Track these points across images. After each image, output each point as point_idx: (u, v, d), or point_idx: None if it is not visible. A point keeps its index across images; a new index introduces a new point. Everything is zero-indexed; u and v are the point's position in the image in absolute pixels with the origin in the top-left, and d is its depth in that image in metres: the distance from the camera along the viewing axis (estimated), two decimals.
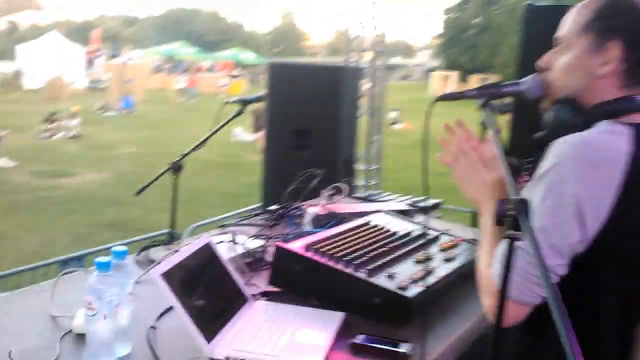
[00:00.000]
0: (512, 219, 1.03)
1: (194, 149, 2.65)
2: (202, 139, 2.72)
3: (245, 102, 2.52)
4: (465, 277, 1.76)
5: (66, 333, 1.46)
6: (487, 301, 1.29)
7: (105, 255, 1.35)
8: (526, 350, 1.38)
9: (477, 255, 1.40)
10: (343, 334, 1.52)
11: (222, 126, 2.67)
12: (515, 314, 1.23)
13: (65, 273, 1.72)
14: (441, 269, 1.82)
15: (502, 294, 1.10)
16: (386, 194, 5.87)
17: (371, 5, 6.09)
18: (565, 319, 0.88)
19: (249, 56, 43.71)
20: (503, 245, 1.16)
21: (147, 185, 2.83)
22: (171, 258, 1.45)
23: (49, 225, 7.81)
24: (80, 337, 1.41)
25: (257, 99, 2.61)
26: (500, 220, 1.06)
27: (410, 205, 2.65)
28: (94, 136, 15.64)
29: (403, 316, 1.59)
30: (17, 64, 28.90)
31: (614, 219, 1.18)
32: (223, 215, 5.44)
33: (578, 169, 1.18)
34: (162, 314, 1.58)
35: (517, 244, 1.08)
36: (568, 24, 1.37)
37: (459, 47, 49.70)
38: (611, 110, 1.26)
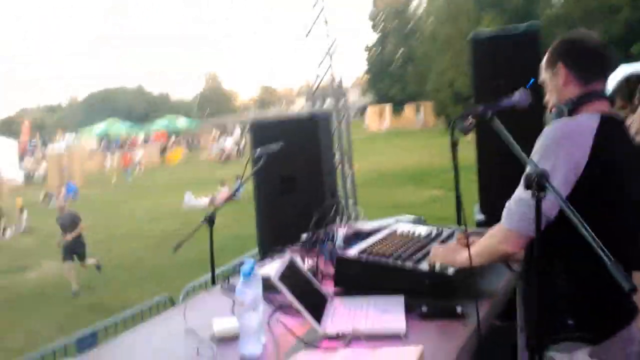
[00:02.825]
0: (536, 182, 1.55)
1: (226, 201, 3.07)
2: (234, 189, 3.16)
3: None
4: None
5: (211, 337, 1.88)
6: (495, 242, 1.89)
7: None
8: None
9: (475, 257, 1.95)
10: (407, 310, 1.98)
11: (250, 176, 3.12)
12: (515, 244, 1.83)
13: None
14: None
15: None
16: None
17: (327, 56, 6.68)
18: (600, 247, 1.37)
19: (182, 122, 44.09)
20: (521, 196, 1.73)
21: (184, 241, 3.23)
22: (273, 270, 1.90)
23: (26, 321, 7.82)
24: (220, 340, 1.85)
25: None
26: (529, 184, 1.55)
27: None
28: (45, 227, 15.56)
29: (447, 291, 2.06)
30: None
31: (589, 171, 1.75)
32: (218, 271, 5.74)
33: (558, 138, 1.80)
34: (273, 312, 2.02)
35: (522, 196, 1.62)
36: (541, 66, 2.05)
37: (387, 81, 51.31)
38: (579, 102, 1.89)
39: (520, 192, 1.75)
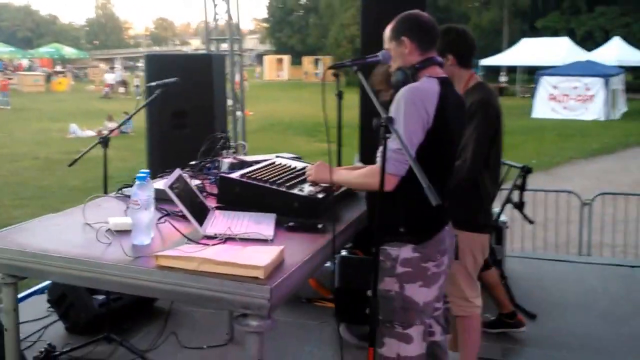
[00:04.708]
0: (384, 127, 1.98)
1: (120, 125, 3.31)
2: (128, 115, 3.41)
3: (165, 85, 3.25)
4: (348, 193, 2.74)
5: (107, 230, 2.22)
6: (372, 180, 2.26)
7: None
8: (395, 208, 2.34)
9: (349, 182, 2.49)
10: (277, 225, 2.37)
11: (143, 107, 3.37)
12: (391, 184, 2.23)
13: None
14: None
15: (382, 171, 2.05)
16: None
17: None
18: (424, 177, 1.86)
19: (69, 51, 41.91)
20: (380, 148, 2.12)
21: (79, 158, 3.45)
22: (165, 181, 2.21)
23: None
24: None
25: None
26: (377, 128, 1.99)
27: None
28: None
29: (313, 212, 2.46)
30: None
31: (435, 123, 2.27)
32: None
33: (414, 99, 2.25)
34: (162, 217, 2.36)
35: (388, 141, 2.03)
36: (385, 37, 2.48)
37: (287, 30, 50.41)
38: (420, 66, 2.36)
39: (391, 143, 2.17)
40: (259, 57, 52.23)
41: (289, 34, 50.48)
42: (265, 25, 58.62)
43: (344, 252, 3.95)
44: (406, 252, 2.35)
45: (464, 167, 2.90)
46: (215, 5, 7.99)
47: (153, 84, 3.44)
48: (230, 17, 7.68)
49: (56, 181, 10.72)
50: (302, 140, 16.20)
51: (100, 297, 3.89)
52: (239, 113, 6.98)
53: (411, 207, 2.33)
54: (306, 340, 3.91)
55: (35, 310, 4.10)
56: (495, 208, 4.08)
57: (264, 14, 57.08)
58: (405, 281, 2.35)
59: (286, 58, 44.76)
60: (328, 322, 4.08)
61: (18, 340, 2.23)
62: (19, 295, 4.11)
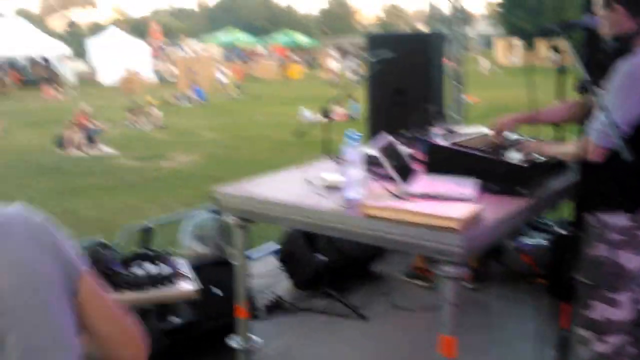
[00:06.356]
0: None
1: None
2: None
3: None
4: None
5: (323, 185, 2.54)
6: (581, 151, 2.33)
7: None
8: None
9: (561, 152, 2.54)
10: (480, 190, 2.46)
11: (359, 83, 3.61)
12: (599, 154, 2.26)
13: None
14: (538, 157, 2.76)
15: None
16: None
17: None
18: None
19: (301, 39, 44.73)
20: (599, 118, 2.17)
21: (305, 132, 3.82)
22: (373, 146, 2.43)
23: (163, 199, 8.98)
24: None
25: None
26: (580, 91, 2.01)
27: None
28: (176, 124, 16.93)
29: (519, 179, 2.52)
30: (92, 62, 30.75)
31: None
32: None
33: (634, 74, 2.22)
34: (371, 178, 2.59)
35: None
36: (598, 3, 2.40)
37: (521, 13, 48.34)
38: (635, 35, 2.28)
39: (599, 115, 2.21)
40: (490, 41, 50.71)
41: (523, 17, 48.27)
42: (498, 9, 56.79)
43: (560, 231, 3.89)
44: (620, 219, 2.34)
45: None
46: None
47: (372, 59, 3.68)
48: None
49: (287, 160, 11.72)
50: (526, 129, 15.57)
51: (322, 258, 4.29)
52: (462, 96, 7.01)
53: (626, 176, 2.32)
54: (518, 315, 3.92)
55: (267, 268, 4.64)
56: None
57: None
58: (619, 247, 2.36)
59: (519, 42, 42.99)
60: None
61: (246, 275, 2.64)
62: (257, 255, 4.74)
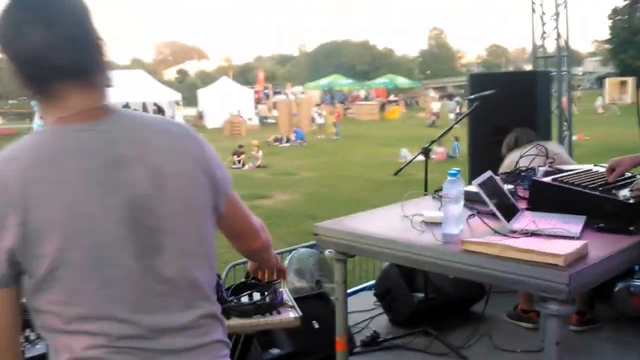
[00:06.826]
0: None
1: (440, 137, 3.64)
2: (445, 130, 3.73)
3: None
4: None
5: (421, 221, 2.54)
6: None
7: None
8: None
9: None
10: (586, 226, 2.39)
11: (457, 122, 3.64)
12: None
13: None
14: None
15: None
16: None
17: (553, 15, 6.77)
18: None
19: (401, 81, 45.03)
20: None
21: (403, 167, 3.87)
22: (474, 182, 2.42)
23: None
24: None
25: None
26: None
27: None
28: (276, 164, 17.43)
29: (626, 216, 2.42)
30: (199, 107, 32.48)
31: None
32: None
33: None
34: (472, 214, 2.57)
35: None
36: None
37: (632, 51, 46.70)
38: None
39: None
40: (600, 80, 48.92)
41: (634, 55, 46.45)
42: (607, 46, 54.83)
43: None
44: None
45: None
46: (543, 24, 7.97)
47: (472, 96, 3.69)
48: (558, 35, 7.58)
49: (385, 199, 11.73)
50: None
51: (420, 295, 4.25)
52: (572, 137, 6.84)
53: None
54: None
55: (364, 303, 4.64)
56: None
57: (605, 35, 53.06)
58: None
59: (630, 80, 41.24)
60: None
61: (346, 309, 2.67)
62: (351, 290, 4.76)
